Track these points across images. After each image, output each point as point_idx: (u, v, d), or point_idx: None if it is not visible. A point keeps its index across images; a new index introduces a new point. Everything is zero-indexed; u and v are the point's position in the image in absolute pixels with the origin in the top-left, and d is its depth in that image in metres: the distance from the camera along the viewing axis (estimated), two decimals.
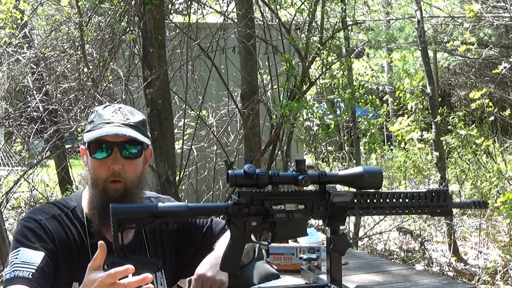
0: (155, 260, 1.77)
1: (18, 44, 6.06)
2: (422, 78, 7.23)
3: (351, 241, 5.88)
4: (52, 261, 1.66)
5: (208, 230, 1.94)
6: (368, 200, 1.58)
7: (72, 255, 1.72)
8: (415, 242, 6.62)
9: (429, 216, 4.43)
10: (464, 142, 7.01)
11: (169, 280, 1.90)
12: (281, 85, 5.42)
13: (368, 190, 1.59)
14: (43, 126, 6.17)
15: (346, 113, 7.00)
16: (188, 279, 2.08)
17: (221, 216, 1.66)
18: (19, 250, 1.64)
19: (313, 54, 5.49)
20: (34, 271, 1.60)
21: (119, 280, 1.73)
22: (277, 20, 5.60)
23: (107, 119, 1.73)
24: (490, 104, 6.44)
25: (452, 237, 6.05)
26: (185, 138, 5.66)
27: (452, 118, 7.39)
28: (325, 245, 1.65)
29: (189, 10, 5.65)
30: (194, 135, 5.66)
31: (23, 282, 1.58)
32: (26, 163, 6.69)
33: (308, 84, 5.42)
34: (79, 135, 6.13)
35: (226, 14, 5.64)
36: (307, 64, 5.30)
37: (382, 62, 12.77)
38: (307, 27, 5.59)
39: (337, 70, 6.64)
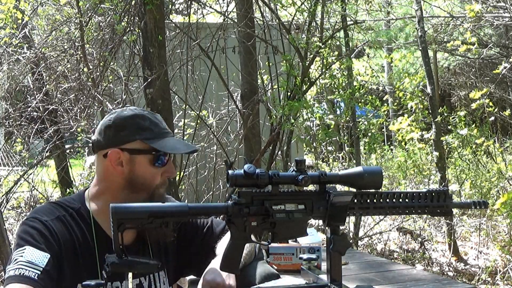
0: (155, 260, 1.77)
1: (18, 44, 6.06)
2: (422, 78, 7.23)
3: (351, 241, 5.88)
4: (57, 264, 1.65)
5: (208, 230, 1.95)
6: (368, 200, 1.59)
7: (77, 257, 1.71)
8: (415, 242, 6.62)
9: (429, 216, 4.43)
10: (465, 142, 7.01)
11: (170, 279, 1.91)
12: (281, 85, 5.42)
13: (368, 190, 1.59)
14: (43, 126, 6.17)
15: (346, 113, 7.00)
16: (188, 278, 2.09)
17: (221, 216, 1.67)
18: (25, 249, 1.62)
19: (313, 54, 5.49)
20: (39, 272, 1.58)
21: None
22: (277, 20, 5.60)
23: (164, 128, 1.80)
24: (491, 104, 6.44)
25: (452, 237, 6.05)
26: (185, 138, 5.66)
27: (453, 118, 7.39)
28: (325, 245, 1.65)
29: (189, 10, 5.65)
30: (194, 135, 5.66)
31: (28, 282, 1.56)
32: (26, 163, 6.69)
33: (308, 84, 5.42)
34: (79, 135, 6.13)
35: (226, 14, 5.64)
36: (307, 64, 5.30)
37: (382, 62, 12.79)
38: (307, 27, 5.59)
39: (337, 70, 6.64)
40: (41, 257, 1.61)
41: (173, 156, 1.86)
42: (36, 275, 1.57)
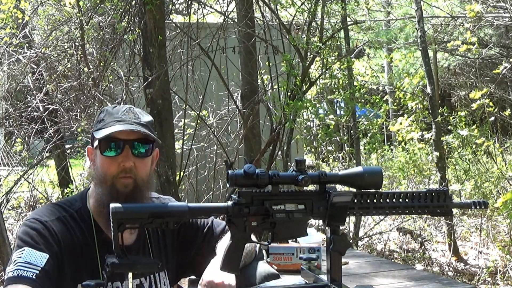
0: (155, 261, 1.77)
1: (19, 44, 6.05)
2: (422, 78, 7.23)
3: (351, 241, 5.88)
4: (56, 264, 1.65)
5: (209, 231, 1.94)
6: (368, 200, 1.59)
7: (77, 258, 1.71)
8: (415, 242, 6.62)
9: (429, 216, 4.44)
10: (465, 142, 7.01)
11: (171, 280, 1.91)
12: (282, 85, 5.42)
13: (368, 190, 1.59)
14: (43, 126, 6.17)
15: (346, 113, 7.00)
16: (188, 278, 2.09)
17: (221, 216, 1.67)
18: (24, 250, 1.63)
19: (313, 54, 5.48)
20: (38, 272, 1.59)
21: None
22: (277, 20, 5.60)
23: (118, 117, 1.74)
24: (491, 104, 6.44)
25: (452, 237, 6.05)
26: (185, 138, 5.66)
27: (453, 118, 7.39)
28: (325, 245, 1.65)
29: (189, 10, 5.65)
30: (194, 135, 5.66)
31: (27, 282, 1.57)
32: (26, 163, 6.69)
33: (308, 84, 5.42)
34: (79, 135, 6.13)
35: (226, 14, 5.64)
36: (307, 64, 5.30)
37: (382, 62, 12.79)
38: (307, 27, 5.59)
39: (337, 70, 6.63)
40: (39, 258, 1.62)
41: (149, 148, 1.76)
42: (34, 274, 1.58)
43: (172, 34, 5.40)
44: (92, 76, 4.90)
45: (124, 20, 4.89)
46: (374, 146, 7.98)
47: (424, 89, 6.99)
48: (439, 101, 12.50)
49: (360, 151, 7.43)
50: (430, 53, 10.19)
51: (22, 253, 1.62)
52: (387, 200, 1.60)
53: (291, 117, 4.94)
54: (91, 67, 4.98)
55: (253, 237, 1.63)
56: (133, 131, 1.71)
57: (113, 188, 1.71)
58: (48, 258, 1.63)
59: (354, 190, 1.59)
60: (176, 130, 5.20)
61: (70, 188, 6.31)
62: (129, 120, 1.74)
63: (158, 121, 4.29)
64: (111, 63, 5.05)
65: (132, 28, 4.85)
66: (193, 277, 2.01)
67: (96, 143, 1.75)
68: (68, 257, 1.69)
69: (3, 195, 5.74)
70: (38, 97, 5.85)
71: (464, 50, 6.88)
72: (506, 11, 7.38)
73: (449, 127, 7.54)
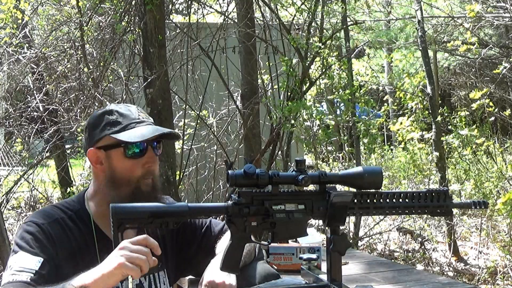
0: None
1: (19, 44, 6.05)
2: (422, 78, 7.23)
3: (351, 241, 5.88)
4: (53, 267, 1.66)
5: (207, 230, 1.95)
6: (368, 200, 1.59)
7: (76, 259, 1.71)
8: (415, 242, 6.62)
9: (429, 216, 4.43)
10: (465, 142, 7.01)
11: (170, 279, 1.91)
12: (282, 86, 5.42)
13: (368, 190, 1.59)
14: (43, 126, 6.16)
15: (345, 113, 6.99)
16: (187, 278, 2.09)
17: (221, 216, 1.67)
18: (19, 254, 1.64)
19: (313, 54, 5.48)
20: (32, 275, 1.60)
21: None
22: (277, 20, 5.60)
23: (135, 118, 1.76)
24: (491, 104, 6.43)
25: (452, 237, 6.05)
26: (185, 138, 5.66)
27: (453, 118, 7.39)
28: (325, 245, 1.65)
29: (189, 10, 5.66)
30: (194, 135, 5.66)
31: (22, 286, 1.58)
32: (26, 163, 6.68)
33: (308, 84, 5.42)
34: (79, 135, 6.13)
35: (226, 14, 5.64)
36: (307, 64, 5.30)
37: (382, 62, 12.79)
38: (307, 27, 5.59)
39: (337, 70, 6.63)
40: (33, 262, 1.62)
41: (161, 147, 1.81)
42: (29, 277, 1.59)
43: (172, 34, 5.40)
44: (92, 76, 4.90)
45: (124, 20, 4.89)
46: (371, 147, 7.97)
47: (424, 89, 6.99)
48: (439, 101, 12.50)
49: (360, 151, 7.42)
50: (430, 53, 10.19)
51: (17, 258, 1.63)
52: (387, 200, 1.60)
53: (290, 118, 4.93)
54: (91, 67, 4.98)
55: (253, 237, 1.63)
56: (164, 133, 1.76)
57: (137, 189, 1.72)
58: (43, 262, 1.63)
59: (354, 190, 1.59)
60: (176, 130, 5.19)
61: (72, 188, 6.31)
62: (146, 120, 1.77)
63: (158, 121, 4.28)
64: (111, 63, 5.05)
65: (132, 28, 4.85)
66: (192, 277, 2.01)
67: (105, 143, 1.74)
68: (66, 258, 1.69)
69: (3, 195, 5.74)
70: (38, 97, 5.85)
71: (464, 50, 6.87)
72: (506, 11, 7.38)
73: (449, 127, 7.53)
